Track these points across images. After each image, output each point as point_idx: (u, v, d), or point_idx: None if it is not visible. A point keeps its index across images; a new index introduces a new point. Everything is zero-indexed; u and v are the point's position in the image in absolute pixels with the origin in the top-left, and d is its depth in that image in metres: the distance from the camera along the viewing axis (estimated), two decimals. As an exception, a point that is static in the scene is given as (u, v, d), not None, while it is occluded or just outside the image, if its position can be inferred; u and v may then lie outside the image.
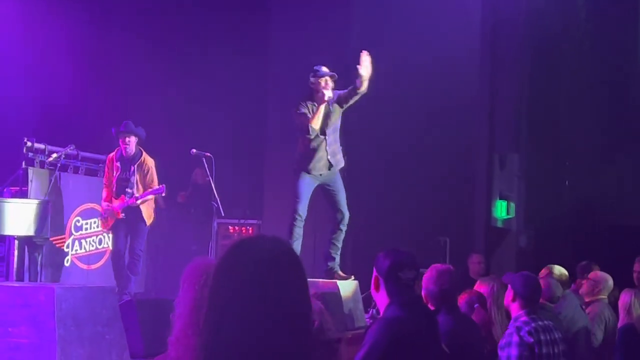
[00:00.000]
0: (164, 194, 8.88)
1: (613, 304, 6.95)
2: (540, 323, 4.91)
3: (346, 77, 8.03)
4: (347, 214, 7.98)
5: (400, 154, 11.26)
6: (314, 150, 7.81)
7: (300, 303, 1.89)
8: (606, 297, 6.92)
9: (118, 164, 8.81)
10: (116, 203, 8.73)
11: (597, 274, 7.01)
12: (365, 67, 7.53)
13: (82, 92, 10.98)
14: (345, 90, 7.82)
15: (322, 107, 7.70)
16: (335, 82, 7.80)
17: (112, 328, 5.58)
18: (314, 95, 7.77)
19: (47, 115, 10.52)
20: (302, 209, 7.76)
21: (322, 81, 7.72)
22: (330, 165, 7.87)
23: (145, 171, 8.81)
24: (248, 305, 1.83)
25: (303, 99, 7.79)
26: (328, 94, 7.69)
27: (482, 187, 11.84)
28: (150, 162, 8.88)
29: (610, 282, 6.95)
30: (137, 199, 8.64)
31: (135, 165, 8.78)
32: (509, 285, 5.11)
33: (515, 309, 5.03)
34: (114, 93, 11.06)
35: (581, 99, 13.00)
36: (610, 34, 12.63)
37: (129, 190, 8.70)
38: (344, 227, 7.98)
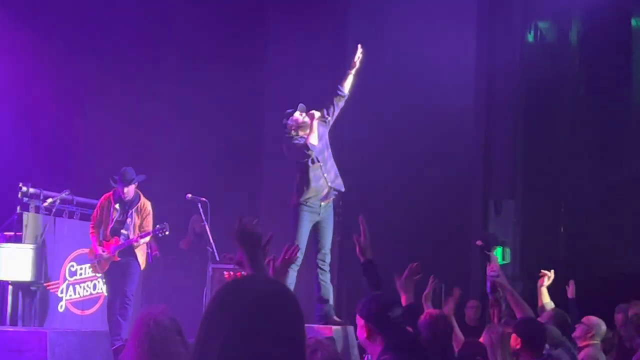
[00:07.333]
0: (167, 232, 8.69)
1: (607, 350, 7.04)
2: None
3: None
4: (329, 256, 7.74)
5: (395, 199, 11.26)
6: (314, 180, 7.58)
7: (293, 344, 1.82)
8: (599, 342, 6.92)
9: (117, 206, 8.64)
10: (110, 246, 8.57)
11: (591, 318, 7.02)
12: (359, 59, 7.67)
13: (76, 135, 10.98)
14: (329, 104, 7.72)
15: (315, 123, 7.53)
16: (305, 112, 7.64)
17: (105, 373, 5.54)
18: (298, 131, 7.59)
19: (41, 159, 10.52)
20: (302, 251, 7.21)
21: (297, 114, 7.57)
22: (332, 191, 7.64)
23: (144, 215, 8.68)
24: (238, 346, 1.77)
25: (289, 138, 7.60)
26: (316, 112, 7.55)
27: (477, 233, 11.83)
28: (148, 206, 8.73)
29: (604, 327, 6.97)
30: (134, 240, 8.51)
31: (134, 209, 8.65)
32: (515, 332, 5.12)
33: (524, 357, 5.01)
34: (109, 136, 11.04)
35: (576, 145, 13.06)
36: (604, 80, 12.73)
37: (124, 231, 8.57)
38: (327, 268, 7.71)
